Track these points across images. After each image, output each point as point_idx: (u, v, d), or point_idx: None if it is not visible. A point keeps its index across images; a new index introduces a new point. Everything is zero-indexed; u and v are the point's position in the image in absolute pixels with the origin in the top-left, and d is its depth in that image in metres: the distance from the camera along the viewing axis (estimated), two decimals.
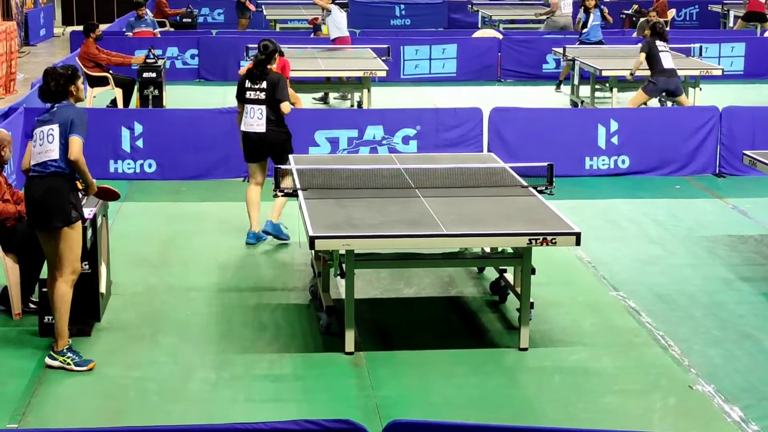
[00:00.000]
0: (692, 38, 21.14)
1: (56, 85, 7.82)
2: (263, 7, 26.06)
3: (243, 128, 10.75)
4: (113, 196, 8.57)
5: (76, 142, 7.64)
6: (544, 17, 23.84)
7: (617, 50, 19.22)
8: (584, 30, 20.12)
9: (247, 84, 10.69)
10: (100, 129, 12.89)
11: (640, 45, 16.36)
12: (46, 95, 7.87)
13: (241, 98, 10.74)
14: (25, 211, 7.94)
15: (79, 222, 7.79)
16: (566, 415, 7.13)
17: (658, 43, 15.56)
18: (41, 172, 7.68)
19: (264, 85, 10.64)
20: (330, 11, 18.86)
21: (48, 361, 7.73)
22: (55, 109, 7.81)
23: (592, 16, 20.26)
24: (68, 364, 7.67)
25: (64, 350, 7.72)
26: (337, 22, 19.02)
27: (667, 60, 15.54)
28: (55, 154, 7.64)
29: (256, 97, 10.64)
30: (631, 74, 15.99)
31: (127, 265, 10.02)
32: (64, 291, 7.71)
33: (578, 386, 7.58)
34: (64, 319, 7.74)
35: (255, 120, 10.64)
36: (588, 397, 7.41)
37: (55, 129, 7.66)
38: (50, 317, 8.20)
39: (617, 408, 7.27)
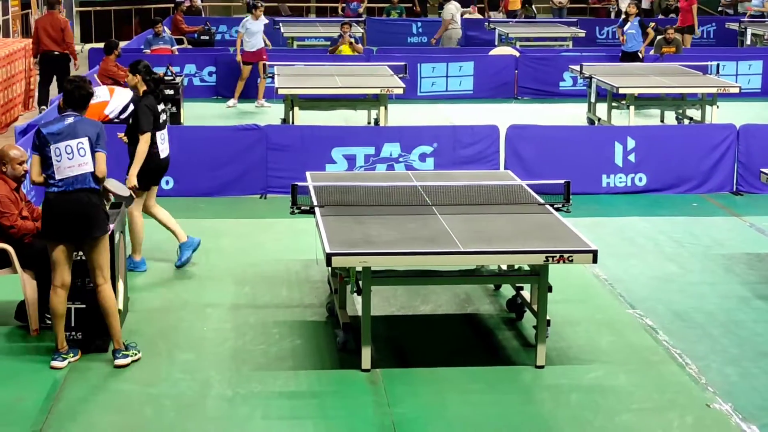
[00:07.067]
0: (709, 56, 21.11)
1: (85, 96, 8.05)
2: (280, 24, 26.13)
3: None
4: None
5: (103, 159, 7.95)
6: (439, 37, 24.39)
7: (634, 68, 19.20)
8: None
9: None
10: (118, 146, 12.88)
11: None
12: (73, 102, 8.03)
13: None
14: (57, 223, 7.89)
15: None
16: None
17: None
18: (74, 186, 7.87)
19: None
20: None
21: (120, 361, 8.00)
22: (72, 121, 7.94)
23: (628, 24, 20.40)
24: (135, 355, 8.11)
25: (128, 345, 8.11)
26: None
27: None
28: (89, 167, 7.87)
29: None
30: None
31: (143, 281, 10.07)
32: (111, 294, 8.04)
33: (595, 404, 7.56)
34: (118, 319, 8.08)
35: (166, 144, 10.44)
36: (605, 416, 7.39)
37: (84, 143, 7.85)
38: (76, 333, 8.26)
39: (634, 426, 7.25)
